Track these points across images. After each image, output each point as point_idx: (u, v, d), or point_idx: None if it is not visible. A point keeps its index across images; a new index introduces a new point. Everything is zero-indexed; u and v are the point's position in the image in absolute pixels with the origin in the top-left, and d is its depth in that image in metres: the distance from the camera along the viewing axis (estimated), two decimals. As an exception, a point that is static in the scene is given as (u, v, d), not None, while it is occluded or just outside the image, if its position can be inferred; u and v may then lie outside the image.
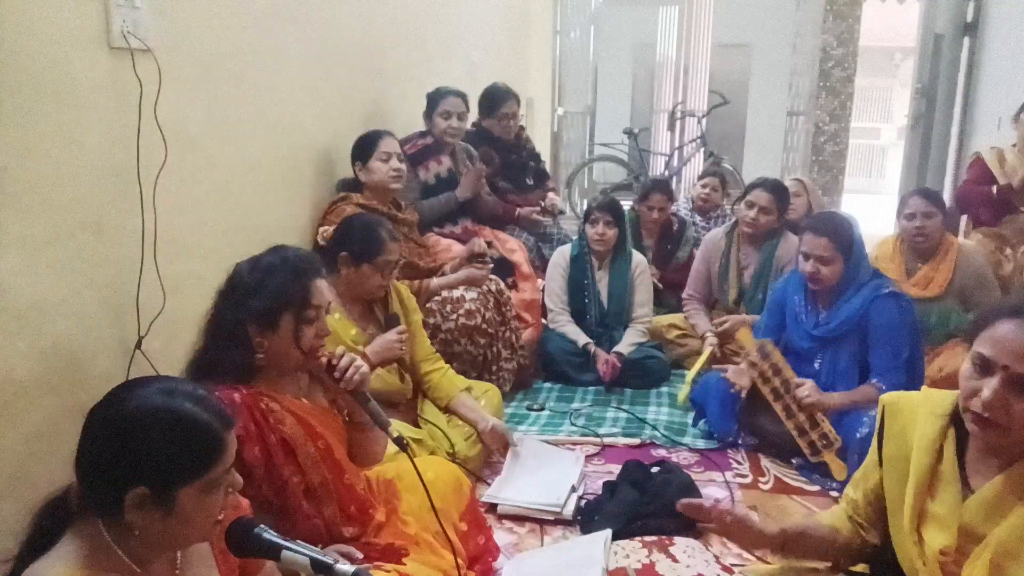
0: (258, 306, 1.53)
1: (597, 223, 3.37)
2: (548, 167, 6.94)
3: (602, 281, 3.44)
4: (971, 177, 3.87)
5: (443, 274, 2.98)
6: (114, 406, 1.06)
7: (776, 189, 3.37)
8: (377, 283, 2.31)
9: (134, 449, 1.01)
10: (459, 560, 1.65)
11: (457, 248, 3.19)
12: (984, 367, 1.23)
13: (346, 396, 1.64)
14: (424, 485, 1.51)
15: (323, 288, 1.61)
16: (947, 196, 5.70)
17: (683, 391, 3.10)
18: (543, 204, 3.97)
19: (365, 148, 2.78)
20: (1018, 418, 1.20)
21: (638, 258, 3.51)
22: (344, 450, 1.66)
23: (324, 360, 1.61)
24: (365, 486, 1.72)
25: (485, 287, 2.97)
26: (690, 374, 3.16)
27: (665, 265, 3.92)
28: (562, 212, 4.16)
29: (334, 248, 2.29)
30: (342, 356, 1.60)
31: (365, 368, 1.62)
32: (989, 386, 1.21)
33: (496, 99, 3.79)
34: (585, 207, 3.65)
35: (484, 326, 2.91)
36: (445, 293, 2.87)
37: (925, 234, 3.04)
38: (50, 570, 0.99)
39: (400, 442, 1.57)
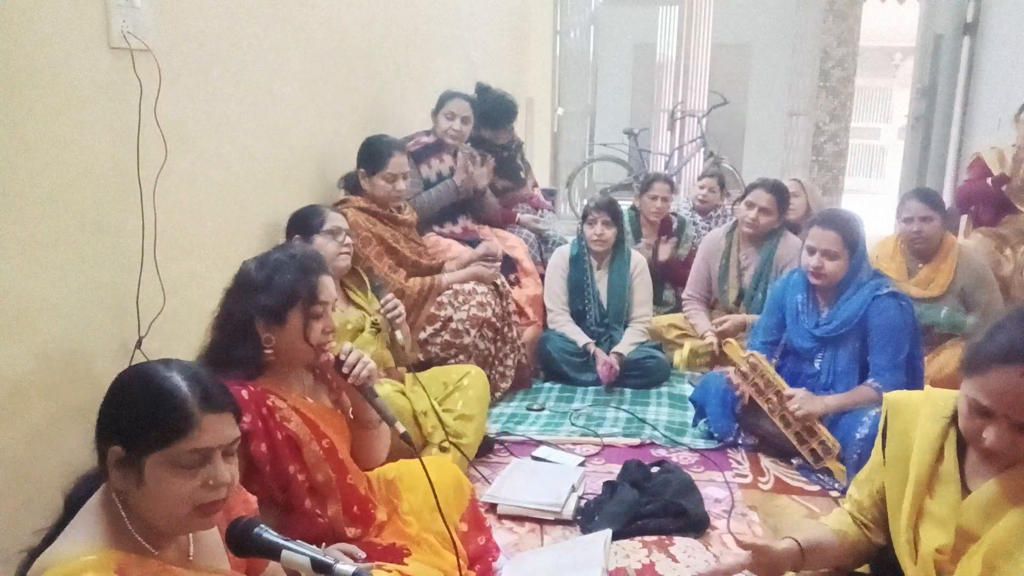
0: (267, 302, 1.56)
1: (595, 223, 3.37)
2: (548, 167, 7.00)
3: (601, 281, 3.44)
4: (972, 177, 3.87)
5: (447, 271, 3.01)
6: (127, 370, 1.13)
7: (776, 189, 3.37)
8: (333, 250, 2.31)
9: (115, 405, 1.07)
10: (460, 560, 1.65)
11: (457, 248, 3.20)
12: (983, 413, 1.21)
13: (353, 392, 1.66)
14: (430, 481, 1.51)
15: (329, 285, 1.64)
16: (947, 196, 5.71)
17: (681, 356, 3.14)
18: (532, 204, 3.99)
19: (374, 161, 2.73)
20: None
21: (637, 257, 3.51)
22: (347, 450, 1.67)
23: (332, 356, 1.63)
24: (367, 487, 1.72)
25: (490, 282, 3.01)
26: (688, 344, 3.19)
27: (665, 264, 3.92)
28: (551, 210, 4.19)
29: (288, 239, 2.35)
30: (350, 352, 1.63)
31: (372, 364, 1.65)
32: (993, 432, 1.20)
33: (507, 116, 3.78)
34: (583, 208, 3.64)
35: (493, 320, 2.93)
36: (456, 286, 2.91)
37: (923, 237, 3.04)
38: (70, 549, 1.01)
39: (406, 438, 1.58)
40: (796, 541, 1.44)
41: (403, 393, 2.34)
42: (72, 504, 1.08)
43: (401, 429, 1.59)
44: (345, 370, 1.62)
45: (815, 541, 1.47)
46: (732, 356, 2.67)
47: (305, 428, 1.57)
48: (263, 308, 1.56)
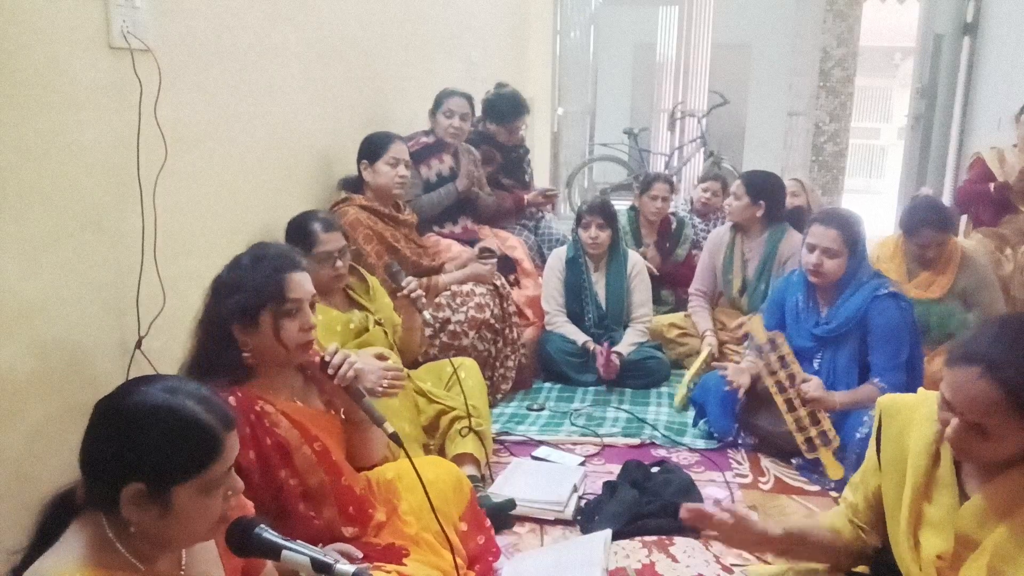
0: (237, 305, 1.53)
1: (589, 226, 3.36)
2: (548, 167, 7.00)
3: (599, 283, 3.44)
4: (972, 177, 3.87)
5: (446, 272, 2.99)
6: (117, 401, 1.07)
7: (748, 177, 3.42)
8: (327, 274, 2.25)
9: (132, 444, 1.02)
10: (459, 560, 1.65)
11: (457, 248, 3.20)
12: (948, 407, 1.24)
13: (341, 393, 1.64)
14: (423, 483, 1.51)
15: (301, 281, 1.59)
16: (947, 196, 5.71)
17: (680, 394, 3.09)
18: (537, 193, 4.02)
19: (375, 149, 2.76)
20: (984, 454, 1.23)
21: (635, 258, 3.51)
22: (342, 451, 1.66)
23: (317, 358, 1.62)
24: (365, 486, 1.72)
25: (489, 282, 3.00)
26: (687, 376, 3.16)
27: (663, 263, 3.93)
28: (551, 190, 4.21)
29: None
30: (335, 353, 1.62)
31: (359, 364, 1.64)
32: (952, 426, 1.23)
33: (508, 111, 3.78)
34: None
35: (492, 321, 2.93)
36: (455, 287, 2.90)
37: (936, 259, 3.02)
38: (54, 567, 0.99)
39: (396, 438, 1.57)
40: (783, 529, 1.44)
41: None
42: (45, 531, 1.05)
43: (389, 430, 1.57)
44: (330, 371, 1.60)
45: (803, 530, 1.47)
46: (755, 330, 2.66)
47: (295, 432, 1.55)
48: (234, 311, 1.53)
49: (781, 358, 2.56)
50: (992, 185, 3.67)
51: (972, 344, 1.22)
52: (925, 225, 2.96)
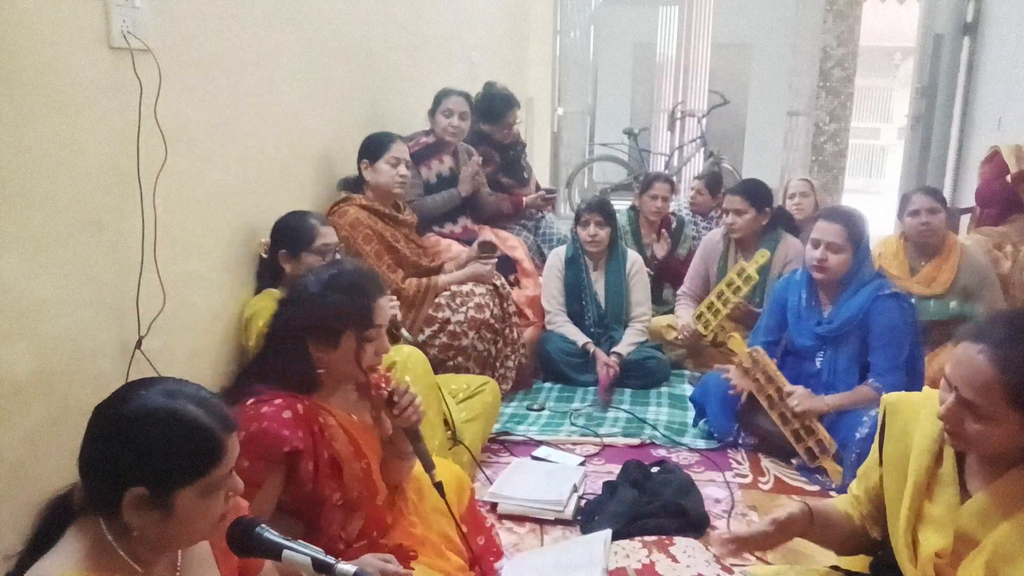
0: (319, 324, 1.53)
1: (588, 224, 3.37)
2: (548, 167, 7.00)
3: (598, 282, 3.44)
4: (986, 173, 3.89)
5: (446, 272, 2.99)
6: (116, 405, 1.06)
7: (746, 189, 3.37)
8: None
9: (133, 449, 1.01)
10: (464, 562, 1.65)
11: (457, 248, 3.20)
12: (948, 384, 1.27)
13: (399, 430, 1.62)
14: (452, 512, 1.52)
15: (384, 306, 1.60)
16: (946, 196, 5.70)
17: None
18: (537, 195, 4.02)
19: (376, 148, 2.77)
20: (973, 436, 1.24)
21: (634, 257, 3.51)
22: (378, 468, 1.64)
23: (385, 393, 1.59)
24: (385, 498, 1.71)
25: (489, 282, 3.00)
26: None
27: (664, 263, 3.93)
28: (552, 190, 4.21)
29: (272, 252, 2.27)
30: (405, 392, 1.59)
31: (424, 407, 1.62)
32: (946, 402, 1.25)
33: (500, 108, 3.78)
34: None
35: (492, 321, 2.93)
36: (455, 287, 2.90)
37: (931, 230, 3.05)
38: (53, 569, 0.99)
39: (439, 488, 1.57)
40: (806, 503, 1.44)
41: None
42: (42, 534, 1.04)
43: (436, 479, 1.56)
44: (396, 411, 1.58)
45: (823, 511, 1.47)
46: (735, 349, 2.67)
47: (349, 449, 1.54)
48: (315, 329, 1.53)
49: (764, 373, 2.56)
50: (1009, 176, 3.68)
51: (983, 326, 1.26)
52: (915, 193, 3.13)
